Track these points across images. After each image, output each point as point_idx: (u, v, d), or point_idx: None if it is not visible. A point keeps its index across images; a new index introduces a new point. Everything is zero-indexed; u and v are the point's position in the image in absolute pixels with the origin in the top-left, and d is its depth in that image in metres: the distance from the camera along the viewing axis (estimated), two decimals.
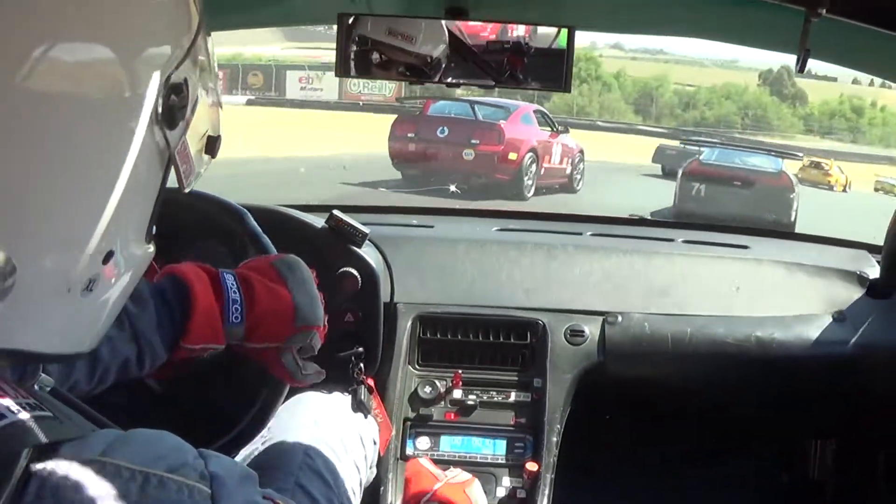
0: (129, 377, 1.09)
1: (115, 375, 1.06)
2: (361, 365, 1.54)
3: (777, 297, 1.81)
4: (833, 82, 36.08)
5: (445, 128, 11.01)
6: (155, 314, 1.05)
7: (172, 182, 0.71)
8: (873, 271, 1.85)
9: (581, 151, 12.58)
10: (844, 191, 17.77)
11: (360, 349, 1.56)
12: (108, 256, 0.63)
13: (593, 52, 36.18)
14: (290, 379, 1.21)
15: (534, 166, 11.30)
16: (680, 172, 11.39)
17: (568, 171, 12.26)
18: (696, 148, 13.14)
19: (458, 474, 1.48)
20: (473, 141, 10.77)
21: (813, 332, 1.74)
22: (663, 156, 15.99)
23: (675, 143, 16.99)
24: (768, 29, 1.53)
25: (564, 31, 1.42)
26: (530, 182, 11.18)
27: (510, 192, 10.54)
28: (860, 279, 1.83)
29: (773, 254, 1.94)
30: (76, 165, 0.60)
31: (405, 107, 13.28)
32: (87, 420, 0.69)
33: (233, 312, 1.09)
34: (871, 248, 1.97)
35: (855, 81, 35.93)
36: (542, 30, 1.45)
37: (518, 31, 1.45)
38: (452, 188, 9.82)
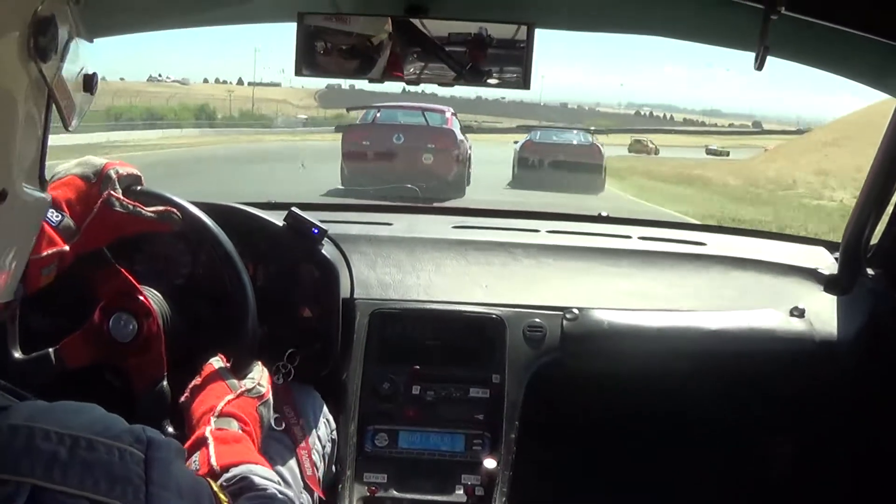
0: None
1: None
2: (291, 367, 1.48)
3: (734, 294, 1.82)
4: None
5: (400, 134, 11.68)
6: None
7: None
8: (830, 268, 1.86)
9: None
10: (657, 153, 33.20)
11: (317, 346, 1.54)
12: (2, 197, 0.61)
13: None
14: None
15: (468, 163, 12.38)
16: (517, 149, 14.92)
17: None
18: None
19: (254, 387, 1.23)
20: (430, 145, 11.48)
21: (771, 327, 1.74)
22: None
23: None
24: (728, 27, 1.53)
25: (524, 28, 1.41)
26: (467, 178, 12.26)
27: (456, 190, 11.18)
28: (818, 275, 1.85)
29: (729, 250, 1.95)
30: None
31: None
32: (8, 394, 0.68)
33: None
34: (829, 245, 1.99)
35: None
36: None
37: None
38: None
